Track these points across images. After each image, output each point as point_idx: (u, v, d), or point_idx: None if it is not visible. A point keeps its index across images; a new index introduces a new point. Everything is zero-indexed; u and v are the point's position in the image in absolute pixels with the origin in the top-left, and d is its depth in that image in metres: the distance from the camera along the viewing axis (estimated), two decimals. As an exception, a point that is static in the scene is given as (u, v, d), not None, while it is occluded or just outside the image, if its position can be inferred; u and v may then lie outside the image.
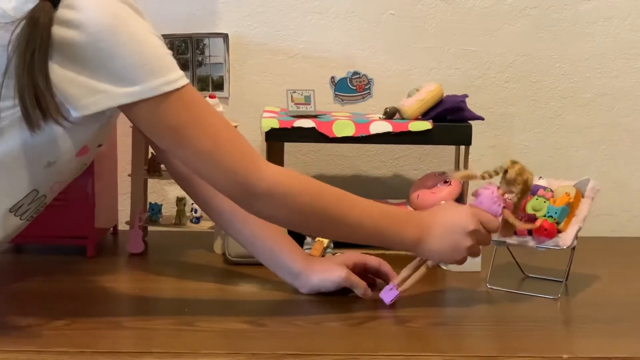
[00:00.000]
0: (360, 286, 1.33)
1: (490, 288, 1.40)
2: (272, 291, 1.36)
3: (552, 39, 1.82)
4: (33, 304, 1.29)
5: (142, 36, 1.13)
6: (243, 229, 1.37)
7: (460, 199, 1.59)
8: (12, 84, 1.11)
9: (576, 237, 1.34)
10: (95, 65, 1.11)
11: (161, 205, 1.63)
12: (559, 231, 1.35)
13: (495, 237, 1.34)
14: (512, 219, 1.31)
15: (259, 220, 1.35)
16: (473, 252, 1.29)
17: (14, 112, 1.14)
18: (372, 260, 1.37)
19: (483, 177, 1.30)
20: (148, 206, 1.62)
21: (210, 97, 1.63)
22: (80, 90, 1.12)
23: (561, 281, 1.38)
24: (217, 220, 1.42)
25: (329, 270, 1.34)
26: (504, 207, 1.30)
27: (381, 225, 1.26)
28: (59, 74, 1.11)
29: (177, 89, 1.14)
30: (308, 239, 1.51)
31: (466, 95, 1.64)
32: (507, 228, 1.32)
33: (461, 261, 1.30)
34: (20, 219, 1.25)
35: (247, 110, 1.79)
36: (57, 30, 1.10)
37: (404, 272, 1.33)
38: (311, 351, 1.12)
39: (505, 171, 1.29)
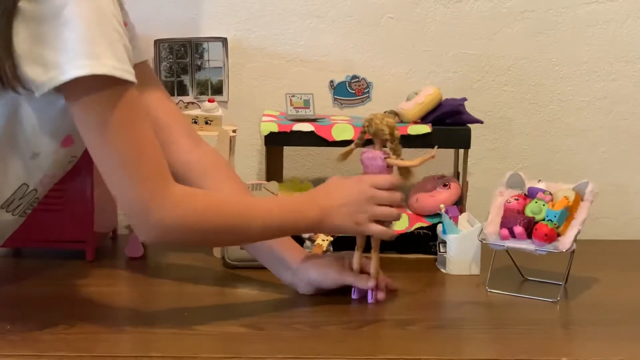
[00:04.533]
0: (359, 281, 1.33)
1: (490, 291, 1.39)
2: (271, 295, 1.36)
3: (551, 42, 1.82)
4: (32, 309, 1.28)
5: (105, 16, 1.11)
6: None
7: (459, 201, 1.59)
8: None
9: (575, 240, 1.34)
10: (56, 38, 1.09)
11: (160, 209, 1.63)
12: (558, 234, 1.35)
13: (497, 238, 1.35)
14: (397, 161, 1.31)
15: None
16: (379, 214, 1.29)
17: None
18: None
19: (357, 145, 1.34)
20: (147, 210, 1.62)
21: (210, 101, 1.64)
22: (41, 68, 1.10)
23: (560, 284, 1.38)
24: None
25: (327, 266, 1.34)
26: (386, 158, 1.31)
27: (285, 219, 1.27)
28: (27, 50, 1.10)
29: (126, 82, 1.12)
30: (307, 243, 1.51)
31: (465, 99, 1.65)
32: (403, 173, 1.32)
33: (366, 230, 1.29)
34: (12, 214, 1.25)
35: (246, 114, 1.79)
36: (24, 4, 1.09)
37: (355, 267, 1.34)
38: (310, 355, 1.12)
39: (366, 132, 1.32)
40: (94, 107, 1.12)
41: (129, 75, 1.13)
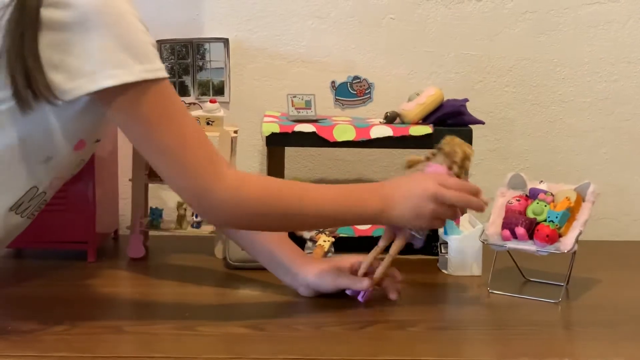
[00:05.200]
0: (354, 284, 1.33)
1: (491, 292, 1.39)
2: (273, 295, 1.36)
3: (552, 43, 1.82)
4: (33, 309, 1.28)
5: (128, 20, 1.12)
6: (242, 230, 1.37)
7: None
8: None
9: (577, 241, 1.34)
10: (80, 46, 1.10)
11: (162, 209, 1.63)
12: (560, 235, 1.35)
13: (498, 239, 1.35)
14: None
15: None
16: (440, 214, 1.28)
17: (11, 102, 1.13)
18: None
19: (427, 158, 1.33)
20: (149, 211, 1.62)
21: (211, 102, 1.64)
22: (65, 75, 1.11)
23: (562, 285, 1.38)
24: None
25: (325, 270, 1.34)
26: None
27: (342, 208, 1.27)
28: (48, 57, 1.10)
29: (157, 80, 1.14)
30: (309, 244, 1.51)
31: (466, 100, 1.65)
32: None
33: (427, 226, 1.29)
34: (21, 216, 1.25)
35: (248, 115, 1.79)
36: (46, 12, 1.10)
37: (364, 264, 1.33)
38: (311, 355, 1.12)
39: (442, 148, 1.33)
40: (132, 109, 1.14)
41: (161, 72, 1.14)
